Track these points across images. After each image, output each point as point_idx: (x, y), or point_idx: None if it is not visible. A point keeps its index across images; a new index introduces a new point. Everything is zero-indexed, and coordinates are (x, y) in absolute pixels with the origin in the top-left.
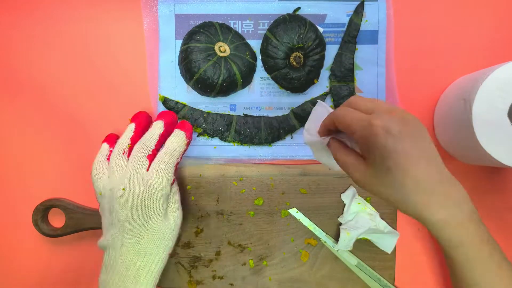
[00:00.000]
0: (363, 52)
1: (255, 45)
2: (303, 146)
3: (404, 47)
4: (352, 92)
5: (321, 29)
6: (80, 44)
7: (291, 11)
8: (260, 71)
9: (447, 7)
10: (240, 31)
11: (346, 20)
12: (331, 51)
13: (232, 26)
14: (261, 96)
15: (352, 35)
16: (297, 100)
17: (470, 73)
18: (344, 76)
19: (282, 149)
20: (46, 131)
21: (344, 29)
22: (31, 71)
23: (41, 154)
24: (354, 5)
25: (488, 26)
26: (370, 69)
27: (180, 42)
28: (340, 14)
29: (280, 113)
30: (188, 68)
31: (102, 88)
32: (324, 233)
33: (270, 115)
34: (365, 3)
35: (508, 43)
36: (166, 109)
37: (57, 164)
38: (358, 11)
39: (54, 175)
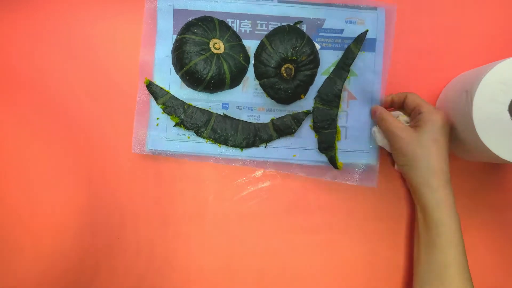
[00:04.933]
0: (359, 59)
1: (252, 45)
2: (274, 155)
3: (405, 45)
4: (334, 118)
5: (318, 46)
6: (76, 38)
7: (289, 13)
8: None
9: (448, 4)
10: (237, 30)
11: (344, 26)
12: (326, 57)
13: (230, 24)
14: (254, 97)
15: (347, 63)
16: (288, 107)
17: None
18: (330, 100)
19: (254, 152)
20: (44, 130)
21: (342, 35)
22: (27, 68)
23: (41, 153)
24: (352, 11)
25: (493, 22)
26: (366, 76)
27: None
28: (338, 20)
29: (272, 115)
30: (179, 58)
31: (94, 80)
32: None
33: (262, 116)
34: (365, 11)
35: None
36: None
37: (56, 163)
38: (359, 40)
39: (53, 175)
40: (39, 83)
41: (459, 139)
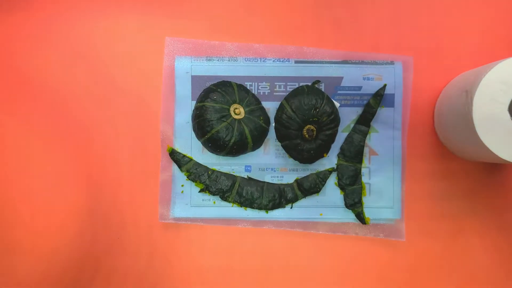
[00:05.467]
0: (379, 115)
1: (271, 106)
2: (300, 215)
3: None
4: (358, 174)
5: (337, 104)
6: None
7: (306, 73)
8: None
9: (448, 4)
10: (256, 93)
11: (362, 83)
12: (346, 114)
13: (248, 87)
14: (276, 158)
15: (367, 118)
16: (310, 166)
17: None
18: (352, 156)
19: (279, 213)
20: (45, 130)
21: (360, 91)
22: (33, 71)
23: (41, 153)
24: (369, 68)
25: (493, 22)
26: (386, 132)
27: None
28: (356, 77)
29: (295, 175)
30: (201, 126)
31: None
32: None
33: (285, 177)
34: (381, 66)
35: None
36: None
37: (56, 163)
38: (378, 95)
39: (54, 175)
40: (41, 84)
41: (459, 139)
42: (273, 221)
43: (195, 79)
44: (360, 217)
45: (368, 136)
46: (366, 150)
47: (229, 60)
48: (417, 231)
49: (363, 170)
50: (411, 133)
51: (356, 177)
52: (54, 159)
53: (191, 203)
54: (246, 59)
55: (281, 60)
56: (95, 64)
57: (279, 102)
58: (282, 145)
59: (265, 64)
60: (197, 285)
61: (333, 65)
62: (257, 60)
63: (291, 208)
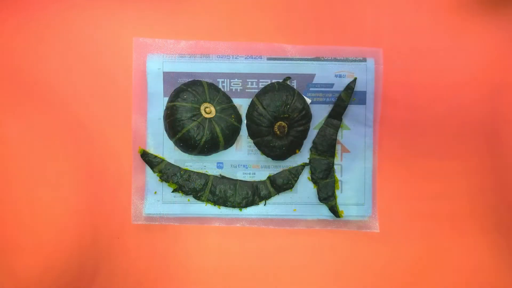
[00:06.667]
0: (351, 112)
1: (243, 103)
2: (274, 211)
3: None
4: (331, 167)
5: (308, 100)
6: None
7: (279, 70)
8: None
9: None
10: (228, 90)
11: (334, 80)
12: (318, 111)
13: (220, 84)
14: (248, 155)
15: (338, 112)
16: (283, 162)
17: None
18: (325, 150)
19: (253, 210)
20: (45, 129)
21: (332, 89)
22: (33, 71)
23: (41, 153)
24: (342, 65)
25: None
26: (358, 129)
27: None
28: (328, 75)
29: (267, 171)
30: (172, 125)
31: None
32: None
33: (257, 173)
34: (354, 63)
35: None
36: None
37: (56, 162)
38: (349, 88)
39: (54, 174)
40: (42, 84)
41: None
42: (247, 218)
43: (167, 76)
44: (334, 211)
45: (340, 133)
46: (338, 147)
47: (201, 57)
48: (392, 228)
49: (336, 167)
50: (382, 131)
51: (329, 170)
52: (55, 159)
53: (162, 199)
54: (218, 56)
55: (253, 57)
56: (87, 63)
57: (251, 99)
58: (254, 142)
59: (237, 60)
60: (196, 285)
61: (305, 62)
62: (229, 57)
63: (265, 205)
